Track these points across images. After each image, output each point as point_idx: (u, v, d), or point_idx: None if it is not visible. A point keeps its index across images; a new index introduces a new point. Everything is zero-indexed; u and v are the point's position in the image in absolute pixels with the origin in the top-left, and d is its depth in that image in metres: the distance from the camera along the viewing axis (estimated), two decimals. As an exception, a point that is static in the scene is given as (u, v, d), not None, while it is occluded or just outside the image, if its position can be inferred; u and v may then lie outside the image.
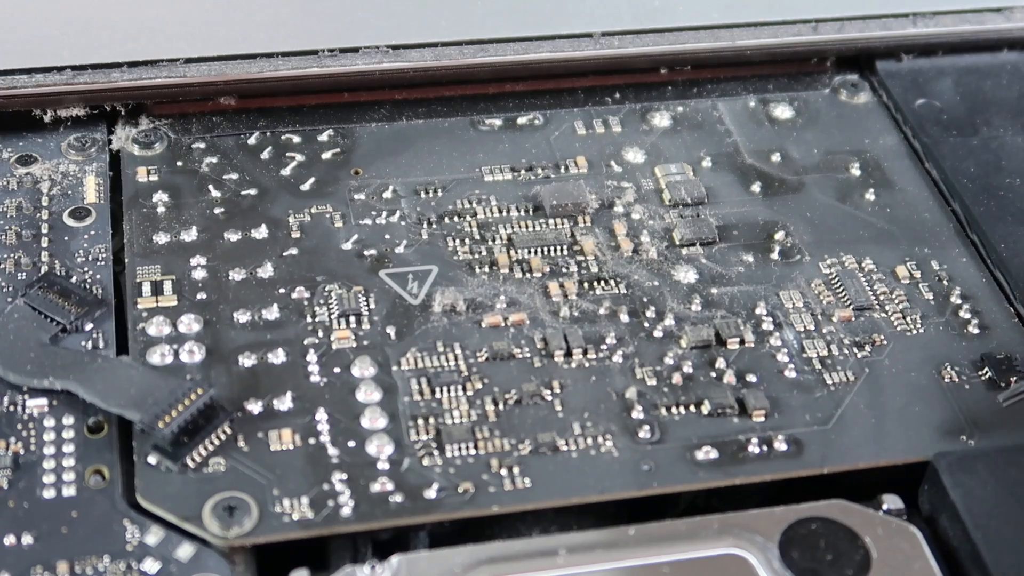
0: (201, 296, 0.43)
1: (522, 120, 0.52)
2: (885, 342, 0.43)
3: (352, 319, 0.42)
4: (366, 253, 0.45)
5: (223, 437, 0.38)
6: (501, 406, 0.40)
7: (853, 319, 0.44)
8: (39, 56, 0.49)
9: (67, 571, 0.35)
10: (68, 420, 0.39)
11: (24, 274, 0.43)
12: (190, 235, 0.45)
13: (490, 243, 0.46)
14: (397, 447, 0.39)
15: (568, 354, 0.42)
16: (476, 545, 0.36)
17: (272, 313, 0.42)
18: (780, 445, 0.40)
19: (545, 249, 0.45)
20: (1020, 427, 0.41)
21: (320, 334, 0.42)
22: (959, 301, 0.45)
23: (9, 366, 0.39)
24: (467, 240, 0.46)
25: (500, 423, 0.40)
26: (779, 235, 0.47)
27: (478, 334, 0.42)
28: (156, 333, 0.41)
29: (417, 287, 0.44)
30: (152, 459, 0.38)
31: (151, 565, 0.35)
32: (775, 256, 0.46)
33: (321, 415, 0.39)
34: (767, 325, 0.43)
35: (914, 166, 0.51)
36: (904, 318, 0.44)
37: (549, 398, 0.40)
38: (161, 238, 0.45)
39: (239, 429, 0.39)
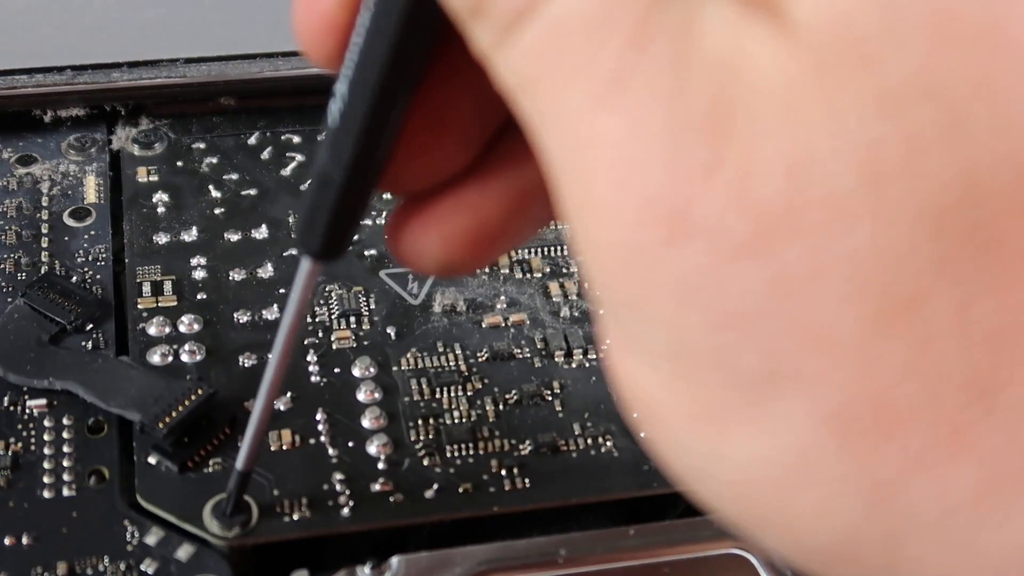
0: (201, 296, 0.43)
1: (522, 120, 0.51)
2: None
3: (352, 319, 0.42)
4: (366, 253, 0.45)
5: (223, 437, 0.38)
6: (501, 406, 0.40)
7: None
8: (39, 56, 0.49)
9: (67, 571, 0.35)
10: (68, 420, 0.39)
11: (24, 274, 0.43)
12: (190, 235, 0.45)
13: (490, 243, 0.46)
14: (397, 447, 0.39)
15: (568, 354, 0.42)
16: (476, 546, 0.36)
17: (272, 313, 0.42)
18: (780, 445, 0.40)
19: (545, 249, 0.45)
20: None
21: (320, 334, 0.42)
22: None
23: (9, 366, 0.39)
24: (467, 240, 0.46)
25: (500, 423, 0.40)
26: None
27: (478, 334, 0.42)
28: (156, 333, 0.41)
29: (417, 287, 0.44)
30: (152, 459, 0.38)
31: (151, 565, 0.35)
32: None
33: (321, 415, 0.39)
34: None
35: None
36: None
37: (549, 398, 0.40)
38: (161, 238, 0.45)
39: (239, 429, 0.39)
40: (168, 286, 0.43)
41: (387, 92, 0.23)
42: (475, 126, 0.25)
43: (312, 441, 0.39)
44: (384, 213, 0.46)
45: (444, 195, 0.25)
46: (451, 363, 0.41)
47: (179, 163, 0.48)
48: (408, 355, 0.41)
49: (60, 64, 0.48)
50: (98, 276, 0.43)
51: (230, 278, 0.44)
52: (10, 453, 0.38)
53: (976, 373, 0.17)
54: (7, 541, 0.36)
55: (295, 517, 0.36)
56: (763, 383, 0.18)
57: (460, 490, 0.38)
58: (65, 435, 0.38)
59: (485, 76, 0.21)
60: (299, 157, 0.49)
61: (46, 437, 0.38)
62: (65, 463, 0.38)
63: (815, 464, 0.18)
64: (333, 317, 0.42)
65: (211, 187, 0.47)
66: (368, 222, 0.46)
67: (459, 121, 0.25)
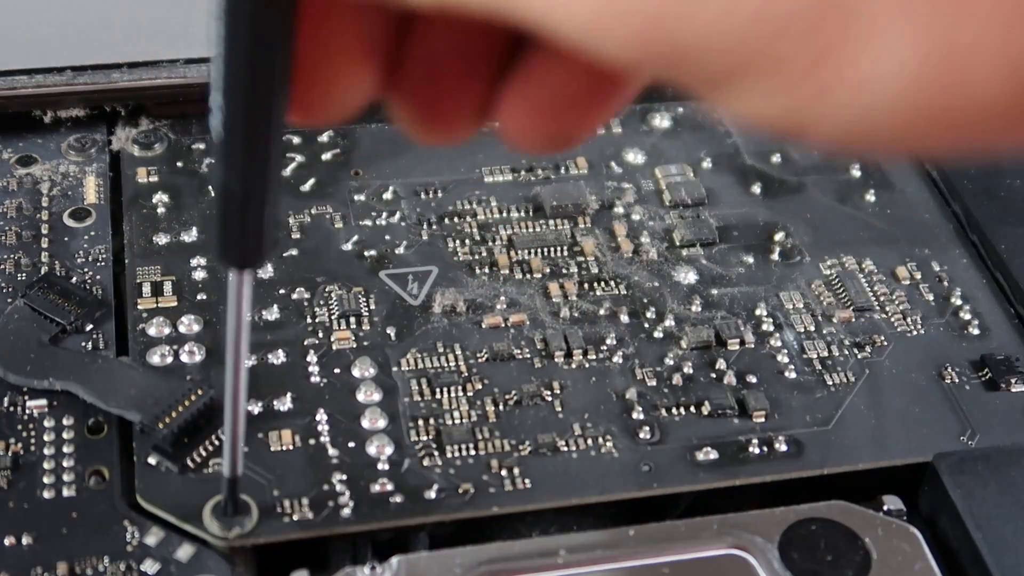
0: (201, 297, 0.43)
1: (522, 121, 0.51)
2: (885, 343, 0.43)
3: (352, 320, 0.42)
4: (366, 254, 0.45)
5: (223, 437, 0.38)
6: (501, 407, 0.40)
7: (853, 320, 0.44)
8: (39, 56, 0.49)
9: (67, 571, 0.35)
10: (68, 420, 0.39)
11: (24, 275, 0.43)
12: (190, 235, 0.45)
13: (490, 244, 0.46)
14: (397, 448, 0.39)
15: (568, 355, 0.42)
16: (476, 546, 0.36)
17: (272, 314, 0.42)
18: (780, 446, 0.40)
19: (545, 250, 0.45)
20: (1020, 427, 0.41)
21: (320, 335, 0.42)
22: (959, 302, 0.45)
23: (9, 366, 0.39)
24: (467, 241, 0.46)
25: (500, 424, 0.40)
26: (779, 236, 0.47)
27: (478, 335, 0.42)
28: (156, 334, 0.41)
29: (417, 288, 0.44)
30: (152, 459, 0.38)
31: (151, 566, 0.35)
32: (775, 257, 0.46)
33: (321, 416, 0.39)
34: (767, 326, 0.43)
35: (914, 166, 0.51)
36: (904, 319, 0.44)
37: (549, 399, 0.40)
38: (161, 239, 0.45)
39: (239, 429, 0.39)
40: (168, 287, 0.43)
41: (264, 92, 0.22)
42: (375, 35, 0.23)
43: (312, 441, 0.39)
44: (384, 214, 0.46)
45: (513, 79, 0.26)
46: (451, 364, 0.41)
47: (179, 163, 0.48)
48: (408, 356, 0.41)
49: (60, 64, 0.48)
50: (98, 276, 0.43)
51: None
52: (10, 453, 0.38)
53: None
54: (7, 541, 0.36)
55: (295, 518, 0.36)
56: None
57: (460, 490, 0.38)
58: (65, 435, 0.38)
59: None
60: (299, 158, 0.49)
61: (46, 437, 0.38)
62: (65, 463, 0.38)
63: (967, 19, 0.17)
64: (333, 318, 0.42)
65: (211, 187, 0.47)
66: (367, 222, 0.46)
67: (356, 44, 0.23)
